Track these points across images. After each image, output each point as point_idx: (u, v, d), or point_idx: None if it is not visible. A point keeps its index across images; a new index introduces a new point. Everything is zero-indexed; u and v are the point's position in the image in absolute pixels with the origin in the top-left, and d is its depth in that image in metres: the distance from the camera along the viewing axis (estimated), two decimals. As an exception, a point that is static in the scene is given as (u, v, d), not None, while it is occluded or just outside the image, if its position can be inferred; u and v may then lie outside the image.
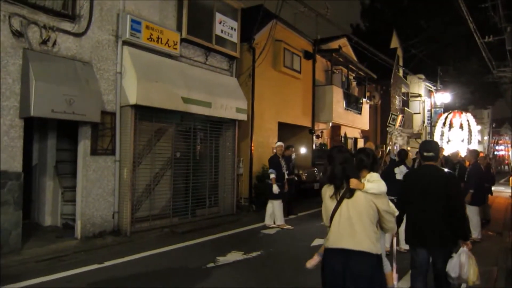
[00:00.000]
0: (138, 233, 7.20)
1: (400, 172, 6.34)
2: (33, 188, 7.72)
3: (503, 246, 6.79)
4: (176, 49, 7.97)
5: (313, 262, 3.03)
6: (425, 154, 3.85)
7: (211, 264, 5.56)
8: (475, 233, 7.25)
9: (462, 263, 3.51)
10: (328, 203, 2.82)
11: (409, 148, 24.69)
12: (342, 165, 2.76)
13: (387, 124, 18.90)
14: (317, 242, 7.07)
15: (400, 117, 19.36)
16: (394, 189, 5.48)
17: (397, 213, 3.22)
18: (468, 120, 22.21)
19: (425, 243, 3.67)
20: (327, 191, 2.83)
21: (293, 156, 9.85)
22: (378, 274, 2.71)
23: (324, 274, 2.82)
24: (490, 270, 5.50)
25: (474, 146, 20.02)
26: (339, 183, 2.74)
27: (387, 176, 5.94)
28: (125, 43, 7.09)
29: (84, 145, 6.64)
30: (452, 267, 3.54)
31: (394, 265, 3.92)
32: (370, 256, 2.65)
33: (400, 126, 19.39)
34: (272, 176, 8.15)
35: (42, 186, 7.63)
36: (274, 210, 8.21)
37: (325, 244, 2.85)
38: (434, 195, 3.65)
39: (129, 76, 7.05)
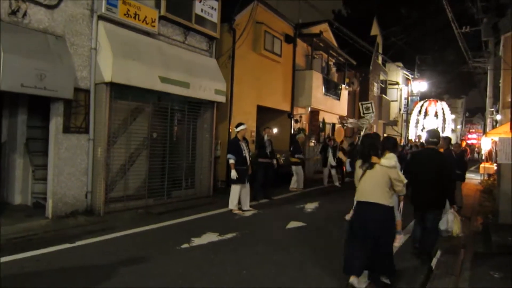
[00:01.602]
0: (112, 214, 7.10)
1: None
2: (2, 166, 7.47)
3: (471, 230, 7.04)
4: (154, 26, 7.75)
5: (349, 215, 4.32)
6: (430, 139, 5.16)
7: (185, 245, 5.56)
8: None
9: (449, 220, 4.96)
10: (358, 171, 4.21)
11: (385, 135, 25.22)
12: (368, 146, 4.17)
13: (361, 115, 19.14)
14: (292, 224, 7.18)
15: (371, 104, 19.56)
16: None
17: (405, 181, 4.21)
18: (443, 109, 22.81)
19: (421, 206, 5.01)
20: (358, 163, 4.23)
21: (265, 137, 9.72)
22: (391, 220, 4.11)
23: (355, 220, 4.17)
24: (458, 252, 5.72)
25: (448, 134, 20.62)
26: (365, 158, 4.13)
27: None
28: (100, 18, 6.83)
29: (56, 122, 6.44)
30: (442, 222, 4.99)
31: (401, 217, 5.10)
32: (385, 207, 4.00)
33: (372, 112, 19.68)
34: (231, 161, 7.83)
35: (12, 164, 7.39)
36: (231, 193, 8.04)
37: (355, 198, 4.21)
38: (432, 169, 4.91)
39: (104, 52, 6.82)
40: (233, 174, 7.82)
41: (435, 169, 4.92)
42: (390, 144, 4.52)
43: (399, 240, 4.61)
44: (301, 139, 12.04)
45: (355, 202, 4.25)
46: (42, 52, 5.84)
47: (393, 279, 4.28)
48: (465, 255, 5.53)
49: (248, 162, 8.18)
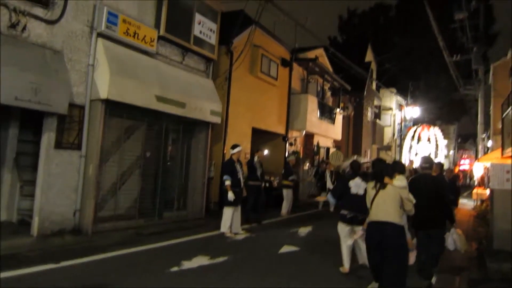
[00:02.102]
0: (101, 233, 6.90)
1: (355, 185, 5.73)
2: (-12, 181, 7.27)
3: (466, 256, 6.95)
4: (153, 46, 7.78)
5: (359, 234, 4.78)
6: (424, 165, 5.50)
7: (175, 268, 5.38)
8: None
9: (455, 239, 5.32)
10: (370, 192, 4.50)
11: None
12: (381, 169, 4.57)
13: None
14: (285, 249, 7.04)
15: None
16: (352, 204, 5.66)
17: (414, 201, 4.43)
18: (435, 134, 22.97)
19: (425, 227, 5.13)
20: (370, 185, 4.56)
21: (256, 159, 9.55)
22: (402, 238, 4.32)
23: (367, 239, 4.50)
24: (453, 279, 5.63)
25: (441, 159, 20.72)
26: (378, 179, 4.46)
27: (342, 192, 5.86)
28: (100, 35, 6.84)
29: (48, 137, 6.32)
30: (449, 243, 5.34)
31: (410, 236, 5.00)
32: (397, 226, 4.25)
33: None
34: (227, 182, 7.67)
35: (-1, 179, 7.21)
36: (223, 216, 7.85)
37: (368, 219, 4.51)
38: (430, 193, 5.14)
39: (101, 69, 6.80)
40: (230, 195, 7.64)
41: (432, 192, 5.22)
42: (400, 168, 4.76)
43: (412, 257, 4.69)
44: (292, 161, 11.94)
45: (365, 225, 4.60)
46: (38, 66, 5.80)
47: None
48: (460, 282, 5.51)
49: (242, 184, 8.08)
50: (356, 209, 5.55)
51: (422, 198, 4.95)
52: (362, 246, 5.63)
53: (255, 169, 9.35)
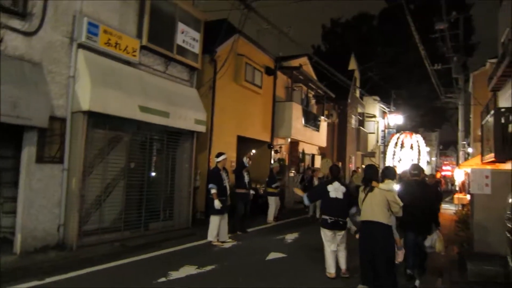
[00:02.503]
0: (86, 248, 6.74)
1: (334, 189, 5.74)
2: (-32, 198, 7.06)
3: (447, 259, 7.04)
4: (135, 56, 7.73)
5: (357, 236, 5.09)
6: (412, 172, 5.98)
7: (163, 279, 5.32)
8: None
9: (433, 239, 5.52)
10: (361, 195, 4.97)
11: (363, 166, 25.53)
12: (369, 174, 5.10)
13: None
14: (272, 255, 7.03)
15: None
16: (332, 208, 5.70)
17: (401, 204, 4.78)
18: (418, 141, 23.31)
19: (414, 229, 5.50)
20: (361, 188, 5.06)
21: (245, 160, 9.41)
22: (390, 237, 4.77)
23: (360, 237, 4.94)
24: (435, 280, 5.69)
25: (423, 165, 21.00)
26: (368, 183, 4.93)
27: (319, 196, 6.00)
28: (80, 46, 6.76)
29: (28, 152, 6.17)
30: (427, 241, 5.55)
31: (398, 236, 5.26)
32: (384, 225, 4.69)
33: None
34: (213, 191, 7.65)
35: (-21, 196, 7.01)
36: (210, 224, 7.81)
37: (359, 219, 4.98)
38: (419, 198, 5.49)
39: (83, 80, 6.70)
40: (217, 204, 7.61)
41: (421, 197, 5.57)
42: (390, 174, 5.12)
43: (401, 256, 5.06)
44: (276, 168, 11.87)
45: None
46: (17, 79, 5.68)
47: None
48: (442, 284, 5.61)
49: (228, 192, 8.04)
50: (337, 214, 5.60)
51: (412, 202, 5.25)
52: (344, 253, 5.80)
53: (242, 177, 9.26)
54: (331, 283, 5.58)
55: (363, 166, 25.15)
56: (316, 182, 12.70)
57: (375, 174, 5.08)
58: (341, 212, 5.64)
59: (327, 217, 5.66)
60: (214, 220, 7.78)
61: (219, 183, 7.82)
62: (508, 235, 4.73)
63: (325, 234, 5.72)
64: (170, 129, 8.70)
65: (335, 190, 5.72)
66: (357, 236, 5.07)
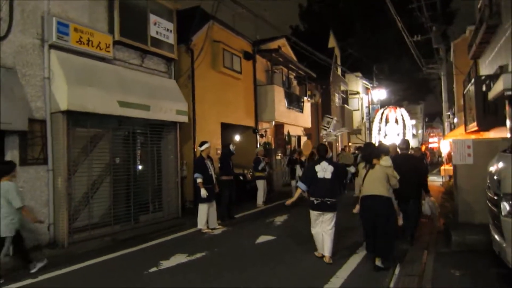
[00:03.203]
0: (77, 244, 6.91)
1: (322, 169, 5.63)
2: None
3: (434, 231, 7.29)
4: (109, 52, 7.74)
5: (357, 209, 5.51)
6: (402, 146, 6.80)
7: (154, 269, 5.49)
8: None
9: (430, 206, 6.53)
10: (362, 171, 5.42)
11: (350, 144, 25.86)
12: (369, 152, 5.55)
13: (322, 126, 19.68)
14: (262, 239, 7.20)
15: (334, 119, 20.13)
16: (319, 189, 5.63)
17: (398, 177, 5.30)
18: (402, 115, 23.61)
19: (407, 198, 6.20)
20: (361, 165, 5.54)
21: (231, 147, 9.50)
22: (390, 207, 5.27)
23: (362, 210, 5.38)
24: (421, 253, 5.93)
25: (409, 139, 21.35)
26: (368, 160, 5.38)
27: (310, 178, 5.71)
28: (52, 46, 6.76)
29: (11, 155, 6.24)
30: (426, 210, 6.55)
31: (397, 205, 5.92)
32: (385, 198, 5.18)
33: (331, 129, 20.28)
34: (199, 180, 7.80)
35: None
36: (199, 212, 7.97)
37: (361, 194, 5.44)
38: (409, 169, 6.07)
39: (58, 81, 6.73)
40: (203, 192, 7.79)
41: (411, 168, 6.18)
42: (385, 150, 5.71)
43: (400, 220, 5.79)
44: (261, 152, 11.96)
45: (359, 198, 5.49)
46: (-9, 84, 5.71)
47: (387, 263, 5.21)
48: (428, 256, 5.73)
49: (214, 180, 8.20)
50: (324, 194, 5.50)
51: (403, 173, 5.61)
52: (330, 237, 5.59)
53: (228, 164, 9.31)
54: (320, 262, 5.65)
55: (350, 144, 25.51)
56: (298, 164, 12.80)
57: (374, 152, 5.47)
58: (329, 192, 5.53)
59: (313, 199, 5.60)
60: (202, 208, 7.96)
61: (204, 171, 7.97)
62: (489, 204, 4.79)
63: (312, 214, 5.67)
64: (152, 122, 8.78)
65: (323, 170, 5.61)
66: (355, 210, 5.58)
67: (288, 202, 6.19)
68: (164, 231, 7.99)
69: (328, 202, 5.50)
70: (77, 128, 7.25)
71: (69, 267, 5.66)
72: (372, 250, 5.34)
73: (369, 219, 5.25)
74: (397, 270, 5.18)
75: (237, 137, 14.21)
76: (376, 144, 6.51)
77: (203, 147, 8.18)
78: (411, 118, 25.60)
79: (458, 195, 6.87)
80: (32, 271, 5.38)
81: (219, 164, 9.57)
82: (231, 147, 9.59)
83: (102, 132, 7.89)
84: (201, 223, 7.97)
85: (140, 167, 8.96)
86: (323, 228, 5.60)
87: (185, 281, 5.01)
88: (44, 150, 6.74)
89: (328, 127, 20.21)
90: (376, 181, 5.22)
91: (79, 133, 7.36)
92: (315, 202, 5.57)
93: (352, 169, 6.85)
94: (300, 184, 5.90)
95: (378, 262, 5.17)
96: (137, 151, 8.88)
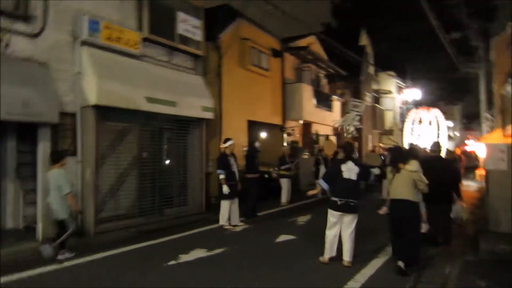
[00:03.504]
0: (103, 234, 7.15)
1: (348, 169, 5.43)
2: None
3: (462, 237, 6.97)
4: (137, 48, 7.95)
5: (383, 210, 5.76)
6: (433, 148, 6.79)
7: (173, 262, 5.59)
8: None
9: (458, 211, 6.75)
10: (389, 175, 5.44)
11: (381, 145, 25.24)
12: (395, 156, 5.59)
13: (349, 111, 18.93)
14: (282, 238, 7.17)
15: (364, 103, 19.33)
16: (344, 189, 5.39)
17: (426, 182, 5.20)
18: (436, 116, 22.80)
19: (437, 201, 5.95)
20: (389, 169, 5.53)
21: (257, 144, 9.54)
22: (416, 212, 5.23)
23: (390, 214, 5.42)
24: (447, 260, 5.69)
25: (444, 141, 20.57)
26: (394, 165, 5.40)
27: (334, 177, 5.50)
28: (83, 43, 7.03)
29: (44, 147, 6.55)
30: (452, 212, 6.52)
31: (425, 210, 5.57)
32: (412, 202, 5.17)
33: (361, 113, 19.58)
34: (222, 176, 7.85)
35: (3, 189, 7.45)
36: (221, 209, 8.03)
37: (389, 197, 5.45)
38: (439, 173, 5.93)
39: (88, 76, 6.99)
40: (225, 189, 7.84)
41: (440, 171, 6.04)
42: (414, 153, 5.76)
43: (424, 227, 5.42)
44: (286, 151, 11.86)
45: (388, 203, 5.53)
46: (26, 79, 6.01)
47: (410, 268, 5.09)
48: (453, 263, 5.47)
49: (237, 177, 8.24)
50: (348, 195, 5.33)
51: (433, 176, 5.53)
52: (349, 242, 5.42)
53: (254, 161, 9.27)
54: (338, 265, 5.46)
55: (381, 145, 24.90)
56: (322, 163, 12.62)
57: (400, 156, 5.47)
58: (353, 194, 5.37)
59: (336, 199, 5.38)
60: (224, 205, 8.03)
61: (227, 168, 8.02)
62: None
63: (332, 215, 5.44)
64: (179, 118, 8.93)
65: (349, 170, 5.40)
66: (381, 211, 5.77)
67: (309, 192, 6.79)
68: (187, 226, 8.13)
69: (352, 204, 5.36)
70: (106, 122, 7.49)
71: (94, 255, 5.88)
72: (397, 254, 5.31)
73: (395, 223, 5.29)
74: (419, 277, 5.02)
75: (263, 135, 14.22)
76: (407, 147, 6.55)
77: (227, 144, 8.24)
78: (448, 119, 24.62)
79: (489, 202, 6.55)
80: (59, 257, 5.61)
81: (245, 161, 9.62)
82: (257, 144, 9.62)
83: (130, 127, 8.12)
84: (223, 219, 8.04)
85: (166, 162, 9.15)
86: (342, 232, 5.45)
87: (201, 276, 5.07)
88: (74, 143, 7.03)
89: (357, 111, 19.21)
90: (402, 185, 5.22)
91: (108, 127, 7.61)
92: (339, 202, 5.36)
93: (376, 171, 6.48)
94: (322, 182, 5.67)
95: (400, 264, 5.11)
96: (164, 146, 9.07)
